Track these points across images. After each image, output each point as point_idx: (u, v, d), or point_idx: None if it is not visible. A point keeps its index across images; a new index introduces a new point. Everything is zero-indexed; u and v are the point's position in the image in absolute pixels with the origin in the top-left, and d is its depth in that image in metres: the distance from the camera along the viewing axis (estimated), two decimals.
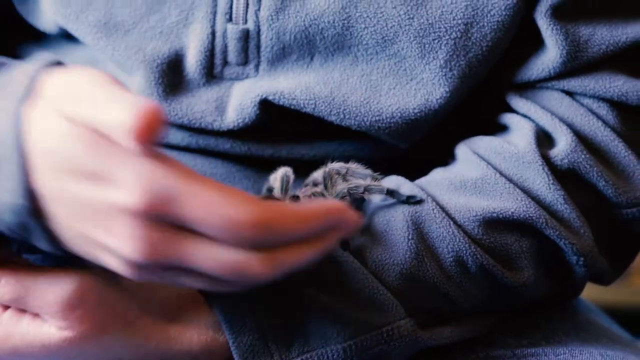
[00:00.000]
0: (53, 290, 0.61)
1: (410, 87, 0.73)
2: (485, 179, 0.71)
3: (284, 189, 0.70)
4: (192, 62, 0.75)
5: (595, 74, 0.74)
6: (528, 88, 0.77)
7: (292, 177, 0.70)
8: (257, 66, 0.75)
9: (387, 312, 0.66)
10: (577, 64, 0.74)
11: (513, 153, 0.73)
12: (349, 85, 0.74)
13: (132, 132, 0.51)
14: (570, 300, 0.79)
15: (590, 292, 0.89)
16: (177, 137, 0.76)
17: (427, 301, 0.69)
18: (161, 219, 0.53)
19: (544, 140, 0.74)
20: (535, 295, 0.73)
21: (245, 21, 0.74)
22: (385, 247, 0.68)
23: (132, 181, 0.52)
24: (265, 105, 0.74)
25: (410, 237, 0.68)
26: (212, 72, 0.75)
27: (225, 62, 0.75)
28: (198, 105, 0.75)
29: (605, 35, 0.74)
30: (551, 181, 0.71)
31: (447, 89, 0.73)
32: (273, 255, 0.55)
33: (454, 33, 0.72)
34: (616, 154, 0.74)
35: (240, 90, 0.75)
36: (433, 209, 0.70)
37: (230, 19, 0.74)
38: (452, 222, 0.69)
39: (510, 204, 0.70)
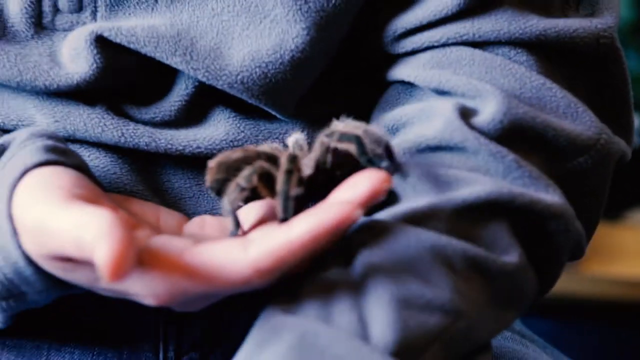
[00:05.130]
0: None
1: (264, 27, 0.67)
2: (420, 177, 0.62)
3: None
4: (16, 11, 0.67)
5: (504, 14, 0.67)
6: (427, 49, 0.69)
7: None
8: (94, 13, 0.68)
9: None
10: None
11: (434, 145, 0.64)
12: (198, 28, 0.67)
13: (108, 279, 0.52)
14: (544, 294, 0.68)
15: None
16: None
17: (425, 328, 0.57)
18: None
19: (468, 112, 0.65)
20: (533, 283, 0.64)
21: None
22: None
23: (143, 294, 0.56)
24: (103, 45, 0.67)
25: None
26: (40, 22, 0.68)
27: (55, 10, 0.68)
28: (30, 56, 0.68)
29: None
30: (495, 151, 0.62)
31: (304, 25, 0.66)
32: None
33: None
34: (552, 98, 0.66)
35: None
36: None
37: None
38: (413, 227, 0.59)
39: (463, 190, 0.61)
